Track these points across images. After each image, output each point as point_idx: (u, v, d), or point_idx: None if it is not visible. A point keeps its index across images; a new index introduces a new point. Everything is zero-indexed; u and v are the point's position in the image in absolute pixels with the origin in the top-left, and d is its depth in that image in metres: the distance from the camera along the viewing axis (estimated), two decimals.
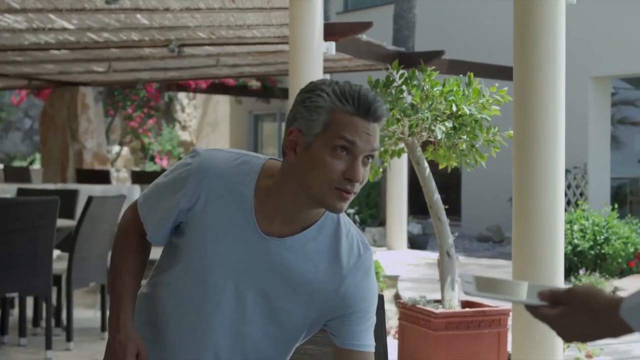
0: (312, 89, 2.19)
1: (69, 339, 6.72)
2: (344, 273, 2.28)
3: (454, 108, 5.71)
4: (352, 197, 2.18)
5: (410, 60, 11.47)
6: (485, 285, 1.81)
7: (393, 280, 10.32)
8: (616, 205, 11.80)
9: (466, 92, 5.80)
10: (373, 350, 2.34)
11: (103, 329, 7.18)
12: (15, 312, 7.59)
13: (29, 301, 7.45)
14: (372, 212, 15.57)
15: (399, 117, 5.83)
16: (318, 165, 2.14)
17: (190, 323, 2.32)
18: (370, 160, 2.20)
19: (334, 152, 2.14)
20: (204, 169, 2.27)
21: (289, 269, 2.26)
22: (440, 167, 5.98)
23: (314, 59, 7.80)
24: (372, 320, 2.35)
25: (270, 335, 2.32)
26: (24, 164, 22.46)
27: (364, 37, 10.85)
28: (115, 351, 2.30)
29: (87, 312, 8.02)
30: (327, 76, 11.79)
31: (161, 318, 2.37)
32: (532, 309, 1.77)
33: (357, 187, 2.18)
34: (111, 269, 2.43)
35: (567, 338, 1.74)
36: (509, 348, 5.70)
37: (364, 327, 2.33)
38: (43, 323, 7.20)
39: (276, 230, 2.25)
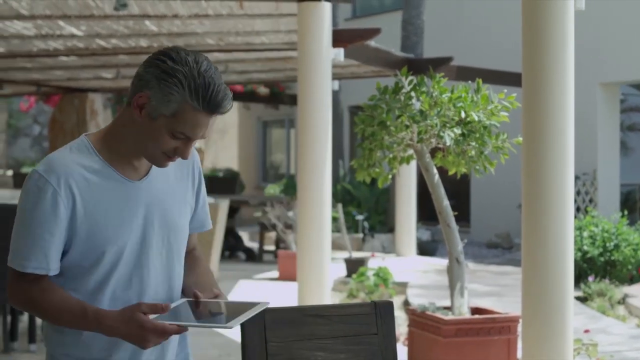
0: (170, 74, 2.32)
1: None
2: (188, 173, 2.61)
3: (463, 114, 5.71)
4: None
5: (419, 66, 11.46)
6: None
7: (402, 286, 10.31)
8: (626, 212, 11.77)
9: (475, 99, 5.80)
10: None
11: None
12: (24, 318, 7.59)
13: None
14: (381, 218, 15.56)
15: (407, 123, 5.83)
16: (157, 139, 2.37)
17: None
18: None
19: (174, 135, 2.36)
20: (53, 169, 2.36)
21: (163, 192, 2.50)
22: (449, 173, 5.97)
23: (322, 66, 7.80)
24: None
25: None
26: None
27: (372, 43, 10.85)
28: (134, 334, 2.31)
29: None
30: (336, 83, 11.75)
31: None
32: None
33: None
34: (52, 319, 2.42)
35: None
36: (519, 355, 5.68)
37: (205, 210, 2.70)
38: None
39: (143, 173, 2.48)
